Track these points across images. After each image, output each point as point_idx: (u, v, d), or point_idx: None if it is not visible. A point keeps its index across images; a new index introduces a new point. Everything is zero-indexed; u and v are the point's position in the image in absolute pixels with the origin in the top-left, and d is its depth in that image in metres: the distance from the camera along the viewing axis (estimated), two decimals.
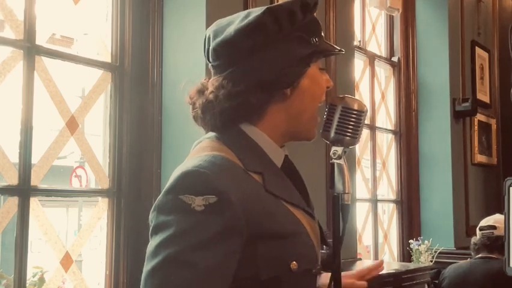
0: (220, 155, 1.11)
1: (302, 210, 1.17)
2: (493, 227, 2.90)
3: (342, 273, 1.23)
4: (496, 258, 2.85)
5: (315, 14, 1.23)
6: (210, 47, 1.19)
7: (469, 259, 3.08)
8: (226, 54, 1.16)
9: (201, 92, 1.19)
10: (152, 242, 1.03)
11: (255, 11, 1.16)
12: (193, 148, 1.19)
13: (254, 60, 1.14)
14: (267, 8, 1.14)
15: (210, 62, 1.21)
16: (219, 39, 1.16)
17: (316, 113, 1.21)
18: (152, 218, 1.07)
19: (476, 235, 3.02)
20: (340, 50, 1.27)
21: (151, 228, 1.06)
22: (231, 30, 1.15)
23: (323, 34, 1.23)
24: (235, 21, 1.17)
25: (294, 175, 1.23)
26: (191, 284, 0.99)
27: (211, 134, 1.19)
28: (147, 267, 1.02)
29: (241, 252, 1.04)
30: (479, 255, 2.93)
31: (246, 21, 1.14)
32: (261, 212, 1.07)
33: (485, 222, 2.98)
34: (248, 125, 1.17)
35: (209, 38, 1.20)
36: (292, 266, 1.08)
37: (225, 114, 1.14)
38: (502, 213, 3.02)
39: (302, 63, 1.16)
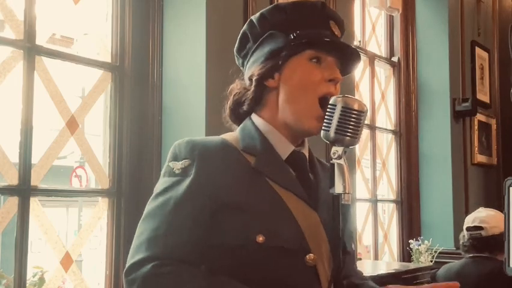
0: (222, 137, 1.27)
1: (294, 194, 1.22)
2: (480, 228, 2.87)
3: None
4: (487, 257, 2.83)
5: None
6: None
7: (462, 259, 3.06)
8: (240, 63, 1.39)
9: None
10: None
11: None
12: None
13: (249, 62, 1.32)
14: (250, 19, 1.35)
15: None
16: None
17: (310, 104, 1.24)
18: None
19: (463, 231, 2.99)
20: (329, 40, 1.30)
21: None
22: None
23: (317, 30, 1.28)
24: None
25: (301, 169, 1.28)
26: (156, 235, 1.14)
27: None
28: None
29: (211, 217, 1.16)
30: (470, 255, 2.91)
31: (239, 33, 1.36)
32: (234, 183, 1.18)
33: (471, 222, 2.92)
34: (256, 116, 1.31)
35: None
36: (259, 239, 1.14)
37: (233, 110, 1.34)
38: (486, 208, 3.02)
39: (278, 55, 1.26)
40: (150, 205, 1.20)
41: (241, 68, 1.39)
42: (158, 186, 1.21)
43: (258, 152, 1.24)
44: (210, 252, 1.16)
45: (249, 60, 1.33)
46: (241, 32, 1.35)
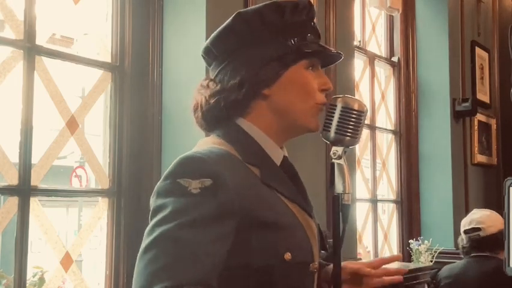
0: (219, 147, 1.16)
1: (298, 205, 1.19)
2: (478, 229, 2.88)
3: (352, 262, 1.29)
4: (489, 256, 2.83)
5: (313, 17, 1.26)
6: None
7: (464, 259, 3.06)
8: (211, 59, 1.25)
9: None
10: (150, 224, 1.07)
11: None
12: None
13: (233, 61, 1.20)
14: (237, 12, 1.21)
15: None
16: (203, 46, 1.26)
17: (308, 106, 1.20)
18: (152, 202, 1.11)
19: (461, 234, 2.99)
20: (330, 50, 1.26)
21: (150, 212, 1.10)
22: (211, 36, 1.24)
23: (309, 35, 1.22)
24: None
25: (292, 175, 1.24)
26: (179, 259, 1.00)
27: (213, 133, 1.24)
28: (142, 245, 1.05)
29: (235, 238, 1.06)
30: (472, 255, 2.91)
31: (220, 27, 1.23)
32: (256, 200, 1.10)
33: (467, 224, 2.93)
34: (243, 120, 1.21)
35: None
36: (286, 257, 1.10)
37: (210, 112, 1.21)
38: (480, 209, 3.03)
39: (276, 64, 1.18)
40: (163, 227, 1.03)
41: (208, 59, 1.26)
42: (168, 205, 1.05)
43: (259, 163, 1.17)
44: (228, 274, 1.07)
45: (232, 60, 1.20)
46: (225, 25, 1.22)
